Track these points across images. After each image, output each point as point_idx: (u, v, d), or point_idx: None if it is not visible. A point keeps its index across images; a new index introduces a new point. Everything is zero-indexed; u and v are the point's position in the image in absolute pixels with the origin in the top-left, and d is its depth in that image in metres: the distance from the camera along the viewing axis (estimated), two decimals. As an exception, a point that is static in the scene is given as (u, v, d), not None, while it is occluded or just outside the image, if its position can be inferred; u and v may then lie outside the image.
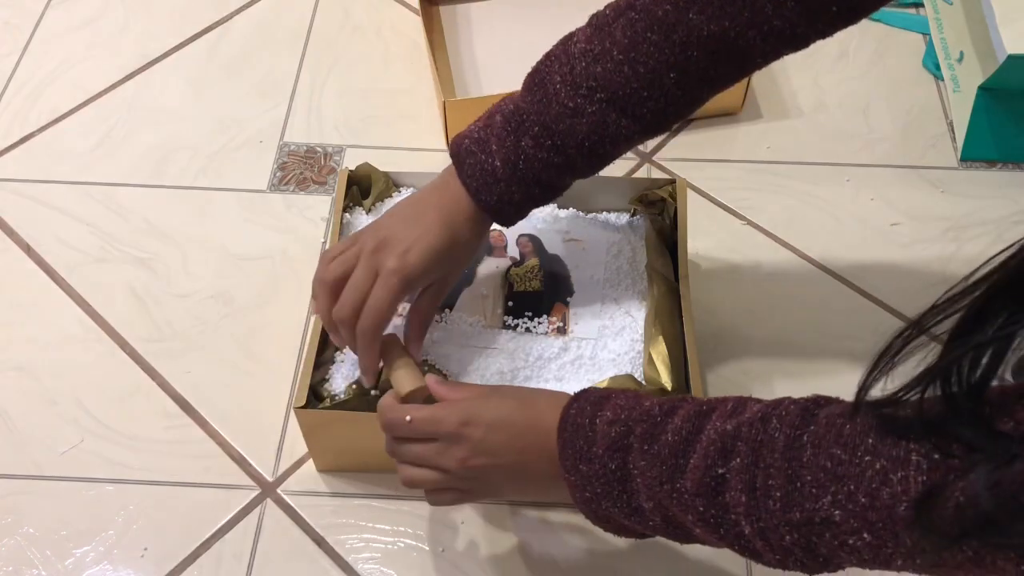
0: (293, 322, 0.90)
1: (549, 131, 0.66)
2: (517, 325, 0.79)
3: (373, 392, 0.73)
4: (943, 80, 1.08)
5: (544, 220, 0.86)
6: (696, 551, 0.75)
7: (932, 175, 1.02)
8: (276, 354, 0.88)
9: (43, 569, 0.76)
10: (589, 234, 0.85)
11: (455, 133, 0.71)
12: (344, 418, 0.72)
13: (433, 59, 1.05)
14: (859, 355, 0.86)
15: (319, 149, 1.05)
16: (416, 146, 1.04)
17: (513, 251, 0.84)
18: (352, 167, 0.87)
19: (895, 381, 0.46)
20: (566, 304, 0.80)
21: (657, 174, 1.02)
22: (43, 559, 0.76)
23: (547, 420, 0.60)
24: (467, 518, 0.78)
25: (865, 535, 0.47)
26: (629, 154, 0.74)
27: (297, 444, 0.81)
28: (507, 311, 0.80)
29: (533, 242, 0.84)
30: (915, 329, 0.44)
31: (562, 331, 0.78)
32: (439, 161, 0.99)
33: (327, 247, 0.86)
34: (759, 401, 0.55)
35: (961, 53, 1.04)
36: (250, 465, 0.82)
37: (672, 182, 0.85)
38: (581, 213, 0.87)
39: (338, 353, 0.76)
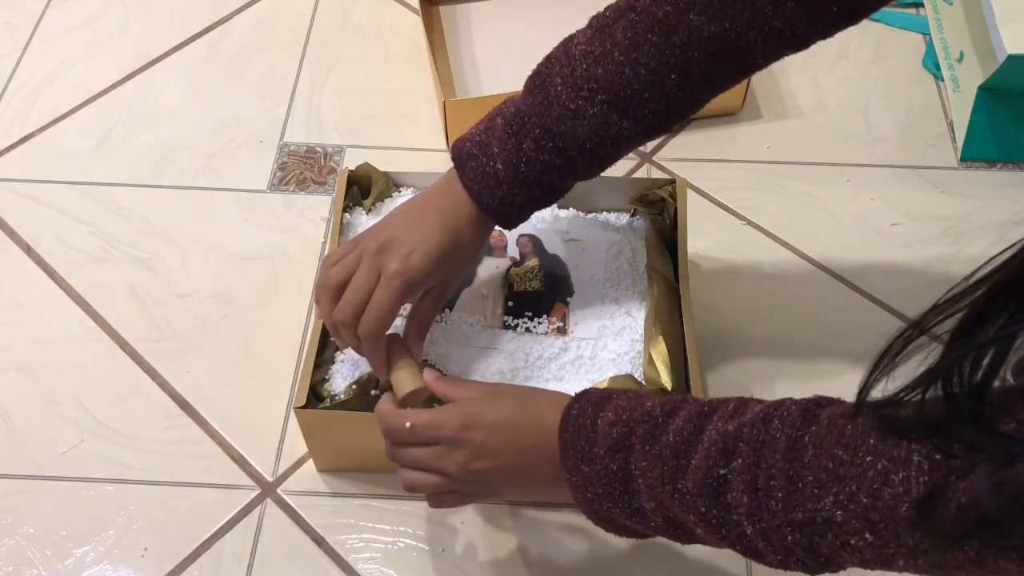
0: (293, 322, 0.90)
1: (550, 133, 0.66)
2: (517, 325, 0.79)
3: (373, 392, 0.73)
4: (943, 80, 1.08)
5: (544, 220, 0.86)
6: (696, 551, 0.75)
7: (932, 175, 1.02)
8: (276, 354, 0.88)
9: (43, 569, 0.76)
10: (589, 234, 0.85)
11: (455, 133, 0.71)
12: (344, 418, 0.72)
13: (433, 59, 1.05)
14: (859, 355, 0.86)
15: (319, 149, 1.05)
16: (416, 146, 1.04)
17: (513, 251, 0.84)
18: (352, 167, 0.87)
19: (896, 381, 0.46)
20: (566, 304, 0.80)
21: (657, 174, 1.02)
22: (43, 559, 0.76)
23: (548, 420, 0.60)
24: (467, 518, 0.78)
25: (867, 535, 0.47)
26: (629, 154, 0.74)
27: (297, 444, 0.81)
28: (507, 311, 0.80)
29: (533, 242, 0.84)
30: (916, 329, 0.44)
31: (562, 331, 0.78)
32: (439, 161, 1.00)
33: (327, 248, 0.86)
34: (760, 402, 0.55)
35: (961, 53, 1.04)
36: (250, 465, 0.82)
37: (672, 182, 0.85)
38: (581, 213, 0.87)
39: (338, 353, 0.76)
